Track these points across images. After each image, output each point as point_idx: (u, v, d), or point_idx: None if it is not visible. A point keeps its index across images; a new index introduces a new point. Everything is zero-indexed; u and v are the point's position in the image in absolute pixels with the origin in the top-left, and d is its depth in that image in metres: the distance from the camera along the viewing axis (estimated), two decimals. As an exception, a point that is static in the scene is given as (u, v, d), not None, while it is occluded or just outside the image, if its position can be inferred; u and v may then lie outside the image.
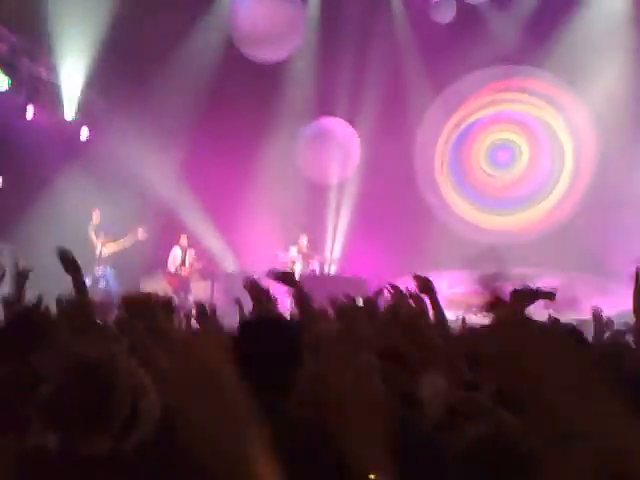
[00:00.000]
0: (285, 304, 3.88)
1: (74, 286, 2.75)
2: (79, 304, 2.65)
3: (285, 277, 3.08)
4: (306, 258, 9.79)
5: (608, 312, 9.59)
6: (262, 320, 2.07)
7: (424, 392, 1.97)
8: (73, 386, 1.63)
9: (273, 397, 1.62)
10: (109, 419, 1.62)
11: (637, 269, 2.89)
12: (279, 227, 10.00)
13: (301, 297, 2.86)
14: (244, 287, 3.11)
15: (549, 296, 2.58)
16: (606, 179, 10.10)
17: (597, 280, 10.24)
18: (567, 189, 10.95)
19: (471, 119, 11.40)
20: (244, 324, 1.95)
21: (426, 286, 3.12)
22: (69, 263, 2.75)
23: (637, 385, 1.67)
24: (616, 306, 9.96)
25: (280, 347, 1.75)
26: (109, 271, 9.14)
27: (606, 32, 10.17)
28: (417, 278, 3.16)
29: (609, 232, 9.65)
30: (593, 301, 10.11)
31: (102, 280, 9.05)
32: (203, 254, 10.00)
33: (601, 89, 10.22)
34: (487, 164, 11.39)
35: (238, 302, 4.09)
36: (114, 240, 9.22)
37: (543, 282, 10.84)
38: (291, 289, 3.07)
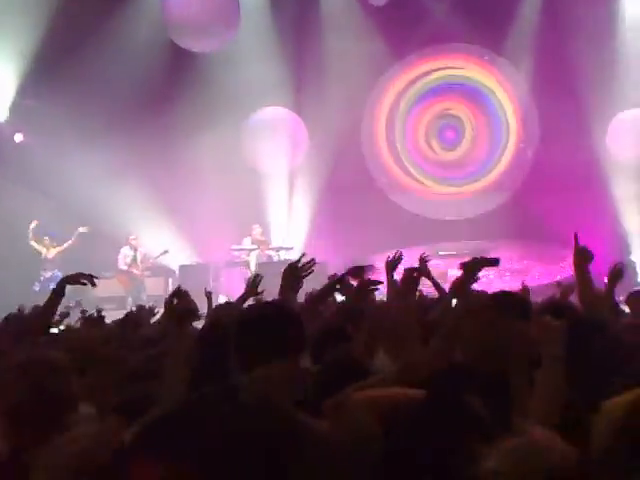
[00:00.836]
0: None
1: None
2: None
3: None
4: (261, 246, 9.76)
5: (562, 277, 10.02)
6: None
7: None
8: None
9: None
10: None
11: (575, 234, 3.00)
12: (231, 218, 9.86)
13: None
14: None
15: (493, 263, 2.65)
16: (550, 149, 10.38)
17: (549, 248, 10.57)
18: (513, 160, 11.22)
19: (414, 97, 11.51)
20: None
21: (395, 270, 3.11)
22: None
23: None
24: (568, 272, 10.34)
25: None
26: (57, 274, 8.95)
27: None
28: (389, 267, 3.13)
29: (557, 199, 9.95)
30: (546, 268, 10.54)
31: (51, 284, 8.82)
32: (151, 252, 9.83)
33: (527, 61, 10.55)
34: (435, 141, 11.54)
35: (208, 295, 4.11)
36: (58, 244, 9.03)
37: (499, 253, 11.10)
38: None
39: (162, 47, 10.01)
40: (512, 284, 9.51)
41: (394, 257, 3.18)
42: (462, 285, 2.51)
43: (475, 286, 3.23)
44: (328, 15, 10.91)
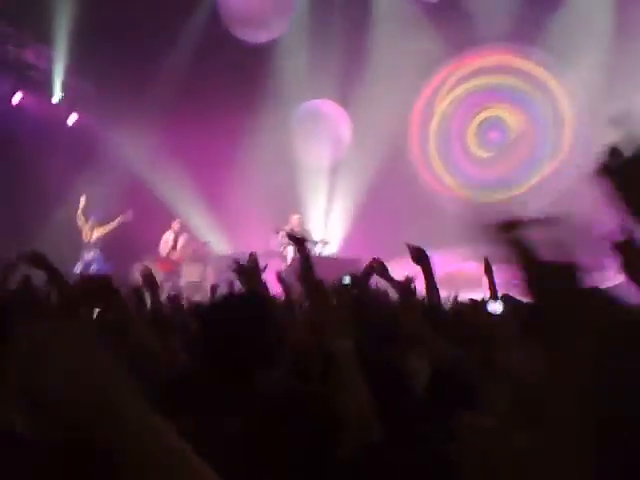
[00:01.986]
0: (275, 288, 3.86)
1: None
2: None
3: (298, 240, 2.97)
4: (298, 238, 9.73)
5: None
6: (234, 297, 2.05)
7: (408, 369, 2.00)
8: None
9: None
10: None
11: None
12: (272, 209, 9.94)
13: (307, 264, 2.77)
14: (232, 270, 3.02)
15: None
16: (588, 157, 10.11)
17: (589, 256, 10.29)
18: (557, 164, 10.98)
19: (461, 97, 11.36)
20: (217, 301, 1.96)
21: (420, 256, 3.13)
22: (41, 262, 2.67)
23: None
24: (606, 281, 10.07)
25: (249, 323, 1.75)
26: (99, 255, 9.16)
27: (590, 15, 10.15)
28: (411, 248, 3.16)
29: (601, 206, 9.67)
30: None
31: (93, 264, 9.06)
32: (195, 238, 9.98)
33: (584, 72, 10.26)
34: (479, 143, 11.38)
35: (230, 284, 4.07)
36: (102, 224, 9.19)
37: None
38: (298, 255, 3.00)
39: (214, 35, 10.12)
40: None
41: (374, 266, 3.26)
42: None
43: (512, 291, 3.20)
44: (379, 9, 10.86)
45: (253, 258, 3.01)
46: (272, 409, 1.47)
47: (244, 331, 1.74)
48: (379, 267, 3.29)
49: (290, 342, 2.08)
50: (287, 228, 9.67)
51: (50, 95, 9.57)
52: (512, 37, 10.56)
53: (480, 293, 3.96)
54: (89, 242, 9.18)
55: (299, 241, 2.87)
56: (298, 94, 10.66)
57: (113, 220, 9.27)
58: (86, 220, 9.18)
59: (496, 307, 3.51)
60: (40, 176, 8.92)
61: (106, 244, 9.32)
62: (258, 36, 10.00)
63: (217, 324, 1.78)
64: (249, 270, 2.96)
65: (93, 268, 8.97)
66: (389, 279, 3.27)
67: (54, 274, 2.56)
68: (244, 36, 9.88)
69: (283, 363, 1.85)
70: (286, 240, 9.64)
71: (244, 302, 1.89)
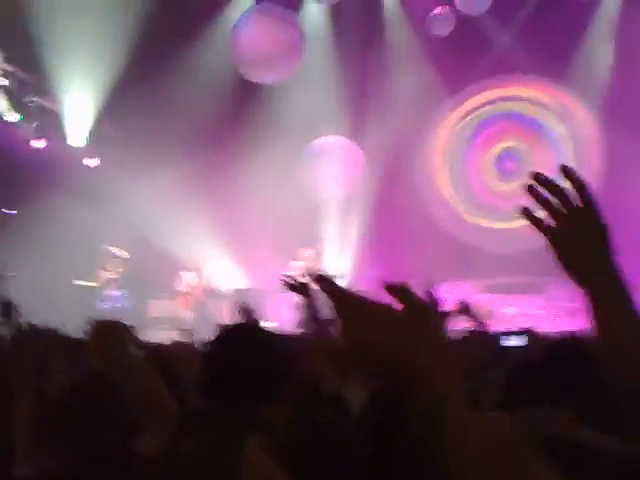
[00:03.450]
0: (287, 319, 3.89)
1: None
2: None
3: (300, 288, 2.98)
4: (311, 272, 9.76)
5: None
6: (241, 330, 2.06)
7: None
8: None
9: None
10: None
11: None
12: (286, 243, 10.00)
13: (313, 308, 2.80)
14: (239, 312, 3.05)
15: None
16: (611, 189, 10.08)
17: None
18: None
19: (475, 129, 11.44)
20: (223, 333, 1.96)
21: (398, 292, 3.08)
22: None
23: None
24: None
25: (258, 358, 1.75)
26: (119, 293, 9.32)
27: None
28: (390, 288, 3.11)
29: (620, 237, 9.58)
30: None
31: (114, 302, 9.23)
32: (211, 275, 10.07)
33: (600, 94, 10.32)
34: (494, 173, 11.40)
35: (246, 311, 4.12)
36: (119, 264, 9.36)
37: (552, 290, 10.80)
38: (304, 300, 2.97)
39: (229, 75, 10.36)
40: (566, 324, 9.22)
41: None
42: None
43: (533, 323, 3.29)
44: (389, 44, 11.05)
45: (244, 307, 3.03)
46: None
47: (246, 364, 1.75)
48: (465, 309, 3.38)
49: (295, 376, 2.08)
50: (300, 262, 9.73)
51: (70, 139, 9.84)
52: (529, 69, 10.67)
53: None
54: (108, 280, 9.32)
55: (302, 288, 2.88)
56: (310, 130, 10.83)
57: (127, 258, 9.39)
58: (106, 262, 9.34)
59: (517, 340, 3.52)
60: (61, 219, 9.08)
61: (124, 281, 9.43)
62: (270, 79, 10.18)
63: (219, 358, 1.80)
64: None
65: (114, 306, 9.12)
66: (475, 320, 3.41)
67: None
68: (253, 79, 10.07)
69: (287, 397, 1.85)
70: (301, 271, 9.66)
71: (243, 335, 1.91)
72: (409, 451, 1.43)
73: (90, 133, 10.08)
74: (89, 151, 10.09)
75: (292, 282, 3.02)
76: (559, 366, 1.89)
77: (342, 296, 2.17)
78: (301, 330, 3.28)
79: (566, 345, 2.07)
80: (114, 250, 9.40)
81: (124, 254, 9.43)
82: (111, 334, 2.16)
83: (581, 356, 1.96)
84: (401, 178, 10.79)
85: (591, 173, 10.75)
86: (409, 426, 1.47)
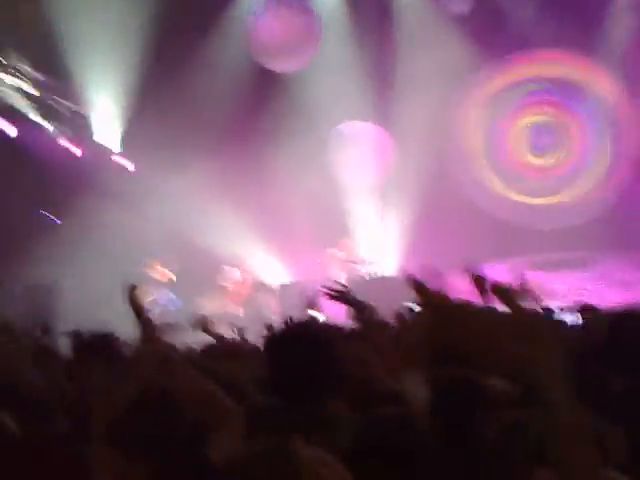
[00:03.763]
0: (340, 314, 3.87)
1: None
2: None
3: (341, 296, 2.83)
4: (351, 261, 9.74)
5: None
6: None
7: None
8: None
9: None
10: None
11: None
12: (321, 233, 9.98)
13: (361, 313, 2.75)
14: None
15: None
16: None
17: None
18: (611, 166, 10.66)
19: (505, 106, 11.23)
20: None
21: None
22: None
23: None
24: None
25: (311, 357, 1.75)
26: (170, 294, 9.48)
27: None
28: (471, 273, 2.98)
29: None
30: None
31: (165, 304, 9.39)
32: (254, 270, 10.14)
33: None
34: (529, 148, 11.19)
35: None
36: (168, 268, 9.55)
37: (604, 264, 10.57)
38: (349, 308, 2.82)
39: (249, 66, 10.35)
40: (624, 296, 9.01)
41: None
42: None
43: (584, 299, 3.18)
44: (409, 26, 10.88)
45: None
46: None
47: (308, 361, 1.77)
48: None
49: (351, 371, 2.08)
50: (338, 252, 9.71)
51: (106, 144, 9.99)
52: (550, 43, 10.42)
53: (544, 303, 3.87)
54: (158, 283, 9.47)
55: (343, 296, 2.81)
56: (335, 117, 10.74)
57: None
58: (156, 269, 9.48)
59: (572, 318, 3.44)
60: (102, 224, 9.26)
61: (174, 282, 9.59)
62: (287, 67, 10.16)
63: (281, 355, 1.81)
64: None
65: (166, 307, 9.28)
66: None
67: None
68: (273, 67, 10.07)
69: (345, 393, 1.85)
70: (339, 262, 9.64)
71: (304, 331, 1.92)
72: (481, 449, 1.43)
73: (122, 136, 10.19)
74: (123, 154, 10.22)
75: (332, 292, 2.84)
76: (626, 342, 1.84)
77: (429, 294, 2.17)
78: (351, 324, 3.27)
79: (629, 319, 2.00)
80: (158, 268, 9.53)
81: (168, 272, 9.54)
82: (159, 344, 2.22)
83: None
84: (432, 161, 10.66)
85: (629, 145, 10.48)
86: (483, 424, 1.47)
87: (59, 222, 9.32)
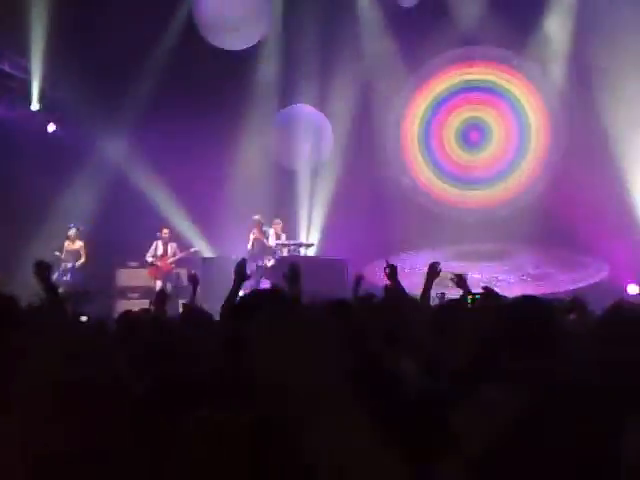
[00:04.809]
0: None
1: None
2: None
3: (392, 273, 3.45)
4: (261, 239, 9.71)
5: (578, 285, 9.96)
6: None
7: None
8: None
9: None
10: None
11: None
12: (253, 213, 9.99)
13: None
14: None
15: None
16: (574, 157, 10.33)
17: (567, 254, 10.53)
18: (536, 165, 11.18)
19: (440, 99, 11.53)
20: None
21: (392, 273, 3.45)
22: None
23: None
24: (586, 279, 10.29)
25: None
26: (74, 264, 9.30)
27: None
28: (387, 266, 3.43)
29: (578, 207, 9.89)
30: (564, 275, 10.51)
31: (68, 275, 9.19)
32: (181, 245, 10.05)
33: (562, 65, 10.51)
34: (459, 143, 11.56)
35: (193, 279, 4.22)
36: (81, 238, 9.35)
37: (520, 257, 11.12)
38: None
39: (194, 42, 10.15)
40: (533, 289, 9.52)
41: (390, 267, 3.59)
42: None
43: (496, 289, 3.42)
44: (357, 15, 10.98)
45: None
46: None
47: None
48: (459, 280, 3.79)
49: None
50: (272, 230, 9.73)
51: (28, 104, 9.56)
52: (493, 41, 10.77)
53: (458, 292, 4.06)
54: (66, 252, 9.24)
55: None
56: (278, 100, 10.76)
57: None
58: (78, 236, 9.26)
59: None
60: (20, 184, 8.92)
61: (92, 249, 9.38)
62: (233, 44, 10.03)
63: None
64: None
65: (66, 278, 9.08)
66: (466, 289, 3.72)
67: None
68: (220, 44, 9.92)
69: None
70: (269, 241, 9.64)
71: None
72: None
73: (40, 97, 9.70)
74: (44, 115, 9.81)
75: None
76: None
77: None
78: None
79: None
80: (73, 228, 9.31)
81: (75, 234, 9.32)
82: None
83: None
84: (369, 148, 10.85)
85: (555, 146, 11.01)
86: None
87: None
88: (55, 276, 8.86)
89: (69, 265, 9.21)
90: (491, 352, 2.01)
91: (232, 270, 3.20)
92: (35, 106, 9.54)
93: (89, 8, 9.39)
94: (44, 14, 9.21)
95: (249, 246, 9.52)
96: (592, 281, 10.09)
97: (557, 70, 10.67)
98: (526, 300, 2.02)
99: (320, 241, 10.64)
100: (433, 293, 3.75)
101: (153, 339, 2.58)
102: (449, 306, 3.30)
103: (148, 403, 1.56)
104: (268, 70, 10.77)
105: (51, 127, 9.81)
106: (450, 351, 2.27)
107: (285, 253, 9.60)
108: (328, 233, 10.63)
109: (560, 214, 10.06)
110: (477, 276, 9.98)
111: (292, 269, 3.30)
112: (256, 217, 9.64)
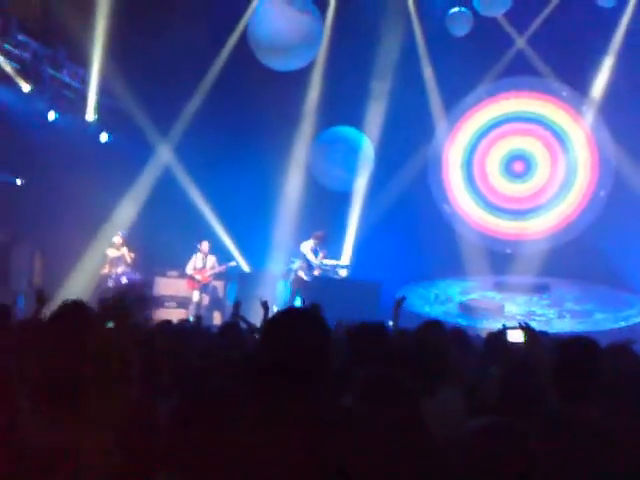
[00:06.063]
0: None
1: None
2: None
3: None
4: (318, 260, 9.74)
5: (619, 324, 9.65)
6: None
7: None
8: None
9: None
10: None
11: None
12: (293, 231, 10.08)
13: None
14: None
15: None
16: (623, 190, 10.12)
17: (610, 291, 10.25)
18: (581, 199, 10.97)
19: (485, 128, 11.47)
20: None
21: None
22: None
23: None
24: (629, 318, 9.98)
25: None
26: (126, 271, 9.50)
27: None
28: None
29: (622, 244, 9.66)
30: (605, 313, 10.21)
31: (121, 278, 9.39)
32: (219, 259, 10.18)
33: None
34: (503, 173, 11.44)
35: (264, 305, 4.40)
36: (127, 245, 9.55)
37: (558, 292, 10.85)
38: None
39: (244, 63, 10.35)
40: (571, 326, 9.29)
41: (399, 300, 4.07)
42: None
43: (534, 325, 3.35)
44: (404, 40, 11.01)
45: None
46: None
47: None
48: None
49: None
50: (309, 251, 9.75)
51: (83, 114, 9.87)
52: (543, 72, 10.69)
53: (495, 323, 4.03)
54: (115, 259, 9.45)
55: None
56: (322, 120, 10.87)
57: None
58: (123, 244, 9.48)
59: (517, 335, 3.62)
60: (73, 191, 9.19)
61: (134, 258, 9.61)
62: (287, 67, 10.18)
63: None
64: None
65: (121, 282, 9.30)
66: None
67: None
68: (271, 65, 10.07)
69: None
70: (304, 261, 9.67)
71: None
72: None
73: (97, 107, 10.00)
74: (99, 125, 10.11)
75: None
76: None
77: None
78: None
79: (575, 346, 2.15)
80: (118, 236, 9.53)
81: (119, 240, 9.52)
82: None
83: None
84: (410, 172, 10.84)
85: (602, 181, 10.78)
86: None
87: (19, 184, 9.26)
88: (110, 283, 9.14)
89: (119, 270, 9.43)
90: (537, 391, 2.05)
91: (267, 285, 3.30)
92: (90, 116, 9.84)
93: (145, 22, 9.68)
94: (103, 26, 9.53)
95: (311, 257, 9.47)
96: (637, 321, 9.80)
97: (607, 104, 10.52)
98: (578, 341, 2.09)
99: (354, 262, 10.63)
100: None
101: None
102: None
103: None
104: (313, 91, 10.91)
105: (104, 137, 10.11)
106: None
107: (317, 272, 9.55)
108: (363, 254, 10.61)
109: (604, 250, 9.82)
110: (514, 308, 9.80)
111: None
112: (319, 233, 9.63)
